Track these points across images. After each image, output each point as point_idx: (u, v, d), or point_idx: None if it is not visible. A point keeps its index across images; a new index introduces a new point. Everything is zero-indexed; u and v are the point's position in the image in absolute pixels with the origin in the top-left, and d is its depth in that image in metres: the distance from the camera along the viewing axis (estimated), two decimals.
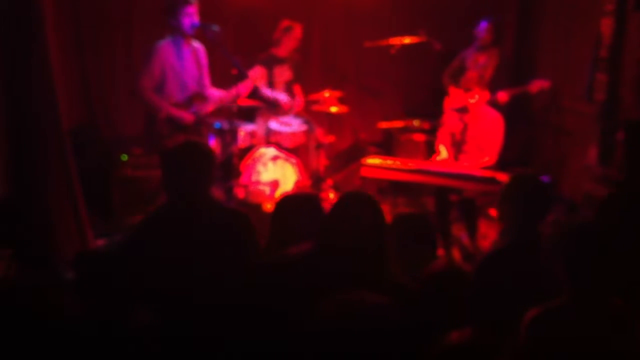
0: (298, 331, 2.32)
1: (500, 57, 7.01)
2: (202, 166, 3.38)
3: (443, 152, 6.07)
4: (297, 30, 6.77)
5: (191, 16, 5.44)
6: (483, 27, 7.00)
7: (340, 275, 2.82)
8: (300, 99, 7.00)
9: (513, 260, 3.27)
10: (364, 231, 2.99)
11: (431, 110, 7.27)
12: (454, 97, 7.00)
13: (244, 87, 5.79)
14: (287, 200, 3.64)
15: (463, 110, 6.07)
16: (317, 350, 2.07)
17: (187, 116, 5.54)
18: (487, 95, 5.93)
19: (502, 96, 6.24)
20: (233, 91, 5.77)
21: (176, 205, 3.38)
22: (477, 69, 6.91)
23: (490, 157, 5.88)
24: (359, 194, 3.31)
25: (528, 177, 3.72)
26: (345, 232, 2.99)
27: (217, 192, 6.35)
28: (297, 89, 7.04)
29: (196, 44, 5.70)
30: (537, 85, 6.35)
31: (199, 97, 5.68)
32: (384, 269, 3.03)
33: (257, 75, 6.52)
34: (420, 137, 7.30)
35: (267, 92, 6.67)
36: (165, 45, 5.47)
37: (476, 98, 5.89)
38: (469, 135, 6.03)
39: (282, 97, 6.69)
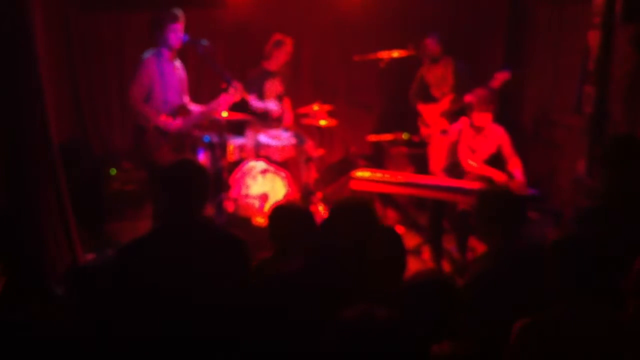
0: (310, 347, 2.31)
1: (454, 63, 7.04)
2: (198, 185, 3.37)
3: (472, 162, 5.97)
4: (288, 45, 6.80)
5: (177, 32, 5.46)
6: (428, 42, 7.07)
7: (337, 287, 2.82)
8: (289, 114, 7.02)
9: (496, 275, 3.26)
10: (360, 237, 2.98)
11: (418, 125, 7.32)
12: (425, 113, 7.06)
13: (224, 101, 5.79)
14: (279, 211, 3.65)
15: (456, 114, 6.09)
16: None
17: (175, 122, 5.54)
18: (489, 116, 5.84)
19: (469, 98, 6.16)
20: (213, 104, 5.78)
21: (170, 225, 3.35)
22: (437, 82, 7.00)
23: (518, 175, 5.76)
24: (353, 202, 3.30)
25: (496, 191, 3.67)
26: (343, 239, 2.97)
27: (207, 207, 6.35)
28: (286, 102, 7.06)
29: (177, 62, 5.71)
30: (499, 80, 6.33)
31: (183, 110, 5.68)
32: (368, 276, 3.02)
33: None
34: (409, 150, 7.31)
35: (257, 103, 6.70)
36: (151, 59, 5.47)
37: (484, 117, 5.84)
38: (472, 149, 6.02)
39: (272, 105, 6.69)
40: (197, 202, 3.32)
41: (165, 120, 5.51)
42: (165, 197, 3.35)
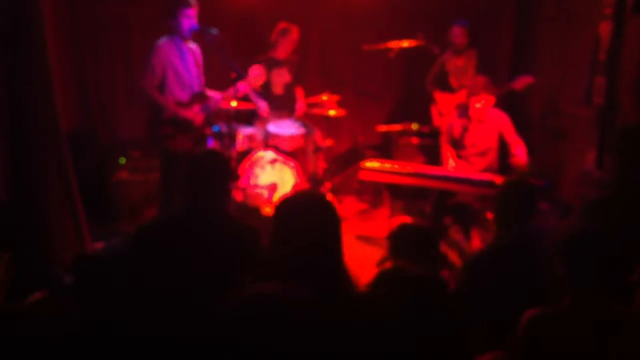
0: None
1: (478, 58, 7.05)
2: (224, 178, 3.41)
3: (451, 162, 6.05)
4: (294, 32, 6.77)
5: (190, 18, 5.45)
6: (456, 32, 7.05)
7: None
8: (302, 103, 7.01)
9: (501, 262, 3.28)
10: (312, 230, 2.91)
11: (429, 114, 7.31)
12: (440, 102, 7.06)
13: (241, 87, 5.80)
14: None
15: (463, 110, 6.09)
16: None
17: (197, 117, 5.55)
18: (492, 100, 5.90)
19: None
20: (231, 91, 5.78)
21: (188, 212, 3.36)
22: (457, 72, 7.00)
23: (520, 154, 5.83)
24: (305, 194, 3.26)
25: (521, 181, 3.73)
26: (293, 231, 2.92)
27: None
28: (299, 92, 7.05)
29: (192, 45, 5.69)
30: (522, 82, 6.34)
31: (202, 96, 5.68)
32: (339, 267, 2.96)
33: (256, 73, 6.20)
34: (418, 141, 7.30)
35: (252, 95, 6.68)
36: (164, 44, 5.46)
37: (482, 103, 5.86)
38: (471, 141, 6.02)
39: (262, 104, 6.68)
40: (220, 193, 3.36)
41: (189, 114, 5.52)
42: (188, 185, 3.37)
